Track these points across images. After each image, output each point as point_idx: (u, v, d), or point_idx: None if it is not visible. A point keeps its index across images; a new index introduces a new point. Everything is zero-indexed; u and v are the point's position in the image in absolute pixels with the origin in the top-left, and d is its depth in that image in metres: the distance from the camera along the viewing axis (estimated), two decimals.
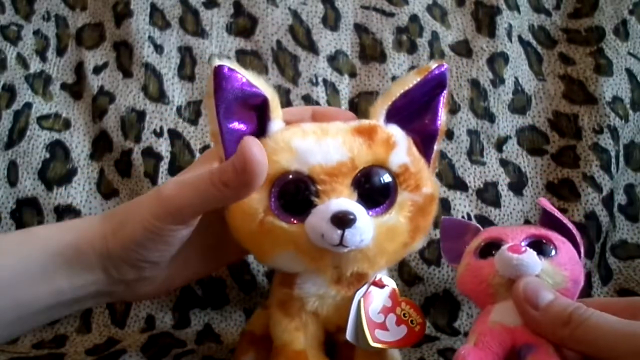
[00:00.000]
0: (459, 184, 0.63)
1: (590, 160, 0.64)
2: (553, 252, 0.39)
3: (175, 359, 0.52)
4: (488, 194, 0.63)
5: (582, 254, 0.42)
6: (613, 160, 0.64)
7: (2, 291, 0.40)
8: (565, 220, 0.41)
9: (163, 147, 0.61)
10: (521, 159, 0.65)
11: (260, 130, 0.42)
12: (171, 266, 0.44)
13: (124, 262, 0.41)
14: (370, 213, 0.40)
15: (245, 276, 0.59)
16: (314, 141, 0.41)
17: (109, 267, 0.41)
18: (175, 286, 0.47)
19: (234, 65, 0.39)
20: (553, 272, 0.38)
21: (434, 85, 0.43)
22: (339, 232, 0.38)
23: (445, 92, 0.44)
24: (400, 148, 0.42)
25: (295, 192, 0.40)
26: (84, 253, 0.41)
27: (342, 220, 0.38)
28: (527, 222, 0.62)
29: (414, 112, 0.43)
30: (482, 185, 0.63)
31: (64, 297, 0.41)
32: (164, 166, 0.61)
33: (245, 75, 0.40)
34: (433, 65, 0.42)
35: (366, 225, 0.39)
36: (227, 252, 0.48)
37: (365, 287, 0.43)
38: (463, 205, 0.62)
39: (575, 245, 0.41)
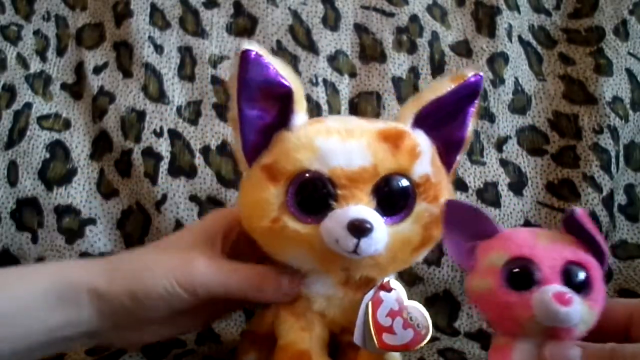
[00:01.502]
0: (459, 184, 0.63)
1: (590, 160, 0.64)
2: (590, 287, 0.37)
3: (176, 359, 0.52)
4: (488, 194, 0.63)
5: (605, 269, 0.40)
6: (613, 160, 0.64)
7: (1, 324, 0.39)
8: (599, 238, 0.39)
9: (163, 147, 0.61)
10: (521, 159, 0.65)
11: (282, 121, 0.41)
12: (164, 322, 0.44)
13: (124, 310, 0.41)
14: (387, 221, 0.39)
15: None
16: (338, 141, 0.39)
17: (106, 309, 0.41)
18: (162, 338, 0.47)
19: (262, 52, 0.39)
20: (588, 316, 0.37)
21: (467, 94, 0.42)
22: (355, 240, 0.38)
23: (476, 101, 0.43)
24: (425, 158, 0.41)
25: (314, 192, 0.40)
26: (80, 292, 0.41)
27: (359, 229, 0.38)
28: (527, 222, 0.62)
29: (442, 120, 0.42)
30: (482, 185, 0.63)
31: (57, 335, 0.41)
32: (164, 166, 0.61)
33: (273, 64, 0.39)
34: (469, 73, 0.41)
35: (382, 236, 0.39)
36: (219, 309, 0.48)
37: (373, 290, 0.42)
38: None
39: (600, 258, 0.39)
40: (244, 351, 0.48)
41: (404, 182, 0.40)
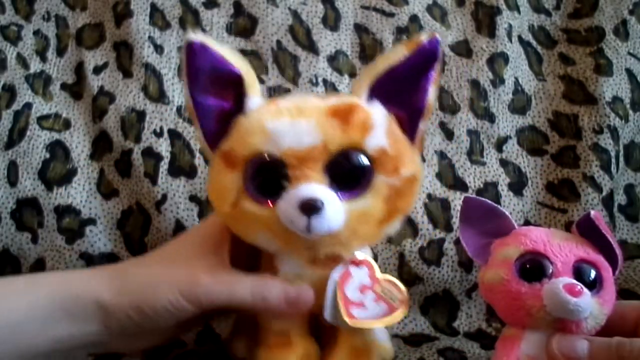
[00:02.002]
0: (459, 184, 0.63)
1: (590, 160, 0.64)
2: (600, 286, 0.38)
3: None
4: (488, 194, 0.63)
5: (617, 271, 0.40)
6: (613, 160, 0.64)
7: (5, 335, 0.40)
8: (613, 241, 0.39)
9: (163, 147, 0.61)
10: (521, 159, 0.65)
11: (239, 107, 0.41)
12: (169, 329, 0.44)
13: (130, 321, 0.41)
14: (343, 197, 0.39)
15: None
16: (287, 122, 0.39)
17: (112, 321, 0.41)
18: (165, 342, 0.48)
19: (208, 40, 0.39)
20: (598, 313, 0.37)
21: (424, 59, 0.40)
22: (306, 219, 0.38)
23: (436, 65, 0.41)
24: (379, 130, 0.40)
25: (268, 174, 0.40)
26: (86, 305, 0.41)
27: (309, 207, 0.38)
28: (526, 222, 0.62)
29: (401, 88, 0.41)
30: (482, 185, 0.63)
31: (62, 345, 0.41)
32: (164, 166, 0.60)
33: (220, 51, 0.40)
34: (424, 37, 0.40)
35: (335, 213, 0.38)
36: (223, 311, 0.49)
37: (341, 266, 0.42)
38: None
39: (612, 260, 0.40)
40: (235, 336, 0.49)
41: (357, 157, 0.40)
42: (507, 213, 0.41)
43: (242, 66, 0.41)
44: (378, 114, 0.41)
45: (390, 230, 0.43)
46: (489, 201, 0.42)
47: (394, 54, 0.40)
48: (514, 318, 0.39)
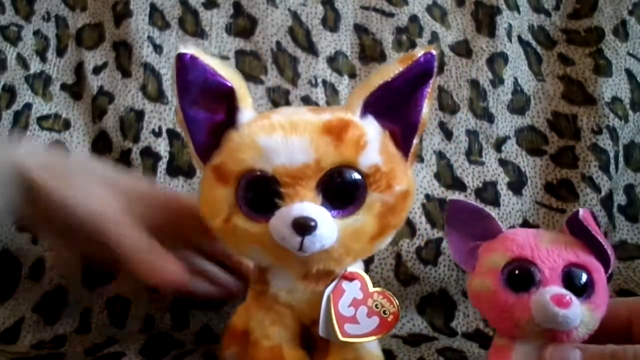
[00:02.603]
0: (457, 184, 0.63)
1: (589, 160, 0.64)
2: (591, 289, 0.37)
3: None
4: (487, 194, 0.63)
5: (610, 273, 0.39)
6: (612, 160, 0.64)
7: None
8: (603, 240, 0.38)
9: (162, 147, 0.61)
10: (520, 159, 0.65)
11: (230, 120, 0.41)
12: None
13: (47, 200, 0.44)
14: (336, 215, 0.39)
15: None
16: (280, 139, 0.39)
17: (31, 195, 0.44)
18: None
19: (199, 53, 0.39)
20: (589, 320, 0.36)
21: (418, 75, 0.40)
22: (299, 238, 0.38)
23: (431, 81, 0.41)
24: (372, 147, 0.40)
25: (260, 191, 0.39)
26: (12, 169, 0.43)
27: (302, 227, 0.37)
28: (525, 222, 0.62)
29: (394, 104, 0.41)
30: (481, 185, 0.63)
31: None
32: (162, 166, 0.61)
33: (210, 64, 0.39)
34: (419, 52, 0.40)
35: (328, 232, 0.38)
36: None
37: (334, 282, 0.42)
38: None
39: (604, 260, 0.38)
40: (226, 346, 0.49)
41: (351, 175, 0.39)
42: (492, 215, 0.40)
43: (233, 79, 0.40)
44: (372, 131, 0.40)
45: (382, 245, 0.43)
46: (474, 203, 0.42)
47: (389, 70, 0.40)
48: (503, 328, 0.39)
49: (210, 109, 0.41)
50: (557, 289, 0.36)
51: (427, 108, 0.42)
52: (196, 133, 0.41)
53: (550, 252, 0.37)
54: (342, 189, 0.40)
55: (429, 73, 0.41)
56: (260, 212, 0.39)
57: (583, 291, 0.36)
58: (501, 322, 0.38)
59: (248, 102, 0.41)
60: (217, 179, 0.40)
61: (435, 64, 0.40)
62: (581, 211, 0.38)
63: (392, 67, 0.40)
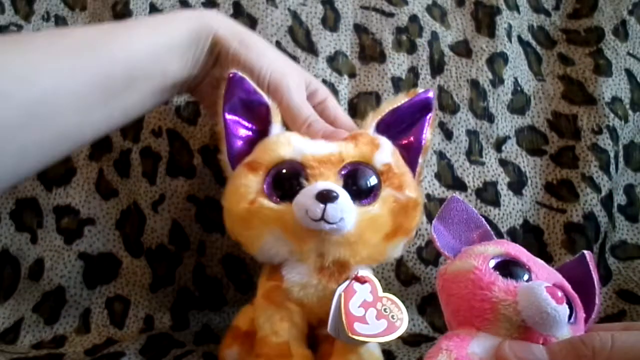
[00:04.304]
0: (457, 184, 0.63)
1: (589, 160, 0.64)
2: (575, 319, 0.35)
3: None
4: (487, 194, 0.63)
5: (592, 317, 0.38)
6: (612, 160, 0.64)
7: (149, 64, 0.46)
8: (597, 284, 0.38)
9: (162, 146, 0.61)
10: (520, 159, 0.65)
11: (263, 132, 0.49)
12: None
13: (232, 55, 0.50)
14: (355, 203, 0.44)
15: (241, 275, 0.60)
16: (310, 140, 0.47)
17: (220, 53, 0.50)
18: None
19: (246, 76, 0.48)
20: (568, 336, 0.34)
21: (420, 107, 0.49)
22: (322, 205, 0.41)
23: (430, 114, 0.50)
24: (385, 149, 0.47)
25: (288, 177, 0.45)
26: (208, 35, 0.49)
27: (326, 196, 0.42)
28: (525, 222, 0.62)
29: (402, 129, 0.50)
30: (481, 185, 0.63)
31: (179, 78, 0.49)
32: (162, 166, 0.61)
33: (253, 85, 0.48)
34: (420, 90, 0.50)
35: (348, 204, 0.43)
36: None
37: (346, 282, 0.45)
38: None
39: (588, 309, 0.37)
40: (227, 345, 0.49)
41: (367, 169, 0.46)
42: (488, 227, 0.40)
43: (269, 99, 0.48)
44: (384, 140, 0.48)
45: (394, 252, 0.48)
46: (475, 210, 0.41)
47: (397, 99, 0.50)
48: (470, 313, 0.35)
49: (246, 119, 0.49)
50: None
51: (430, 134, 0.50)
52: (233, 138, 0.48)
53: (543, 268, 0.38)
54: (359, 182, 0.45)
55: (428, 106, 0.50)
56: (285, 196, 0.44)
57: (569, 317, 0.35)
58: (473, 304, 0.35)
59: (279, 119, 0.49)
60: (249, 169, 0.46)
61: (434, 102, 0.50)
62: (587, 253, 0.39)
63: (399, 98, 0.50)
